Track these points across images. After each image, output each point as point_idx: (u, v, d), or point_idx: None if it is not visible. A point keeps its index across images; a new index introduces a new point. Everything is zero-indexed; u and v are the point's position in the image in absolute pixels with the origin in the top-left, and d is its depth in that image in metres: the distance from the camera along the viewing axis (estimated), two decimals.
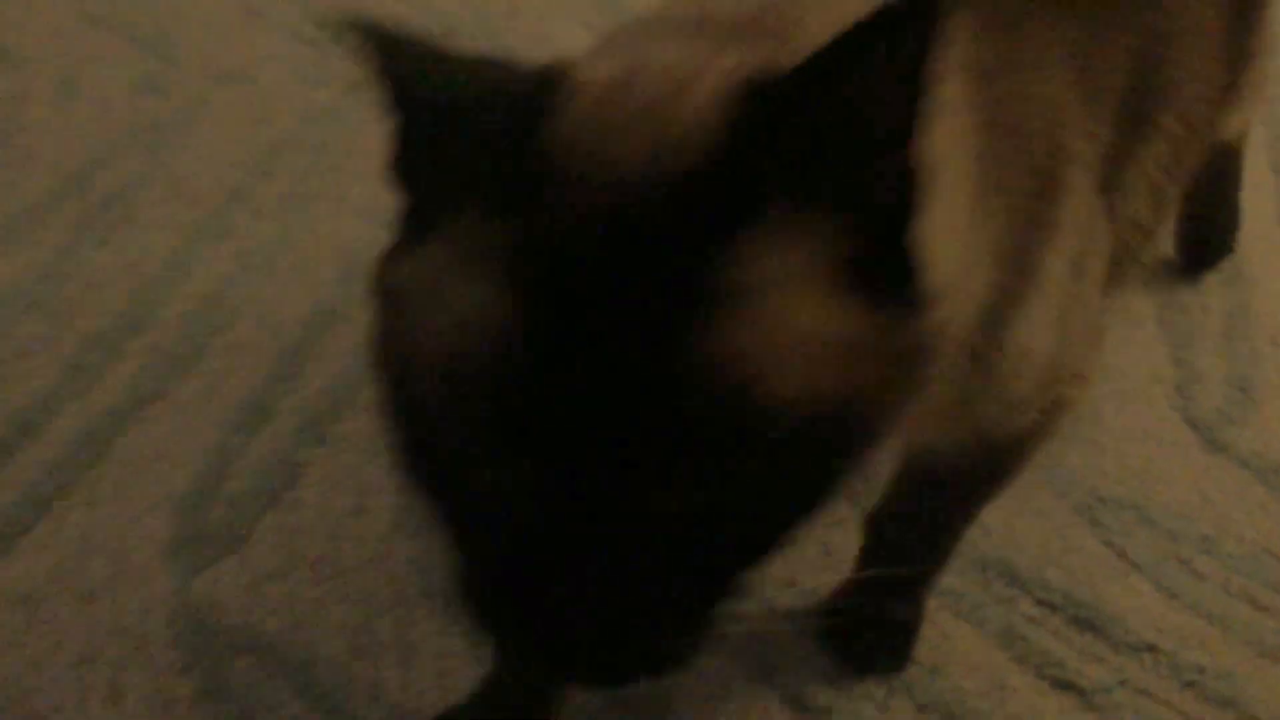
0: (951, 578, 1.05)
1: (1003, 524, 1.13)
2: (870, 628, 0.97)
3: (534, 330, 0.51)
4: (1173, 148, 0.84)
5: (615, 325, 0.50)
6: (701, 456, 0.51)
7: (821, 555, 1.03)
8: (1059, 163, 0.69)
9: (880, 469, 0.93)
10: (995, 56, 0.67)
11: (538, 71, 0.56)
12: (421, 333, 0.54)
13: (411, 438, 0.57)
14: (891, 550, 0.92)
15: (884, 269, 0.54)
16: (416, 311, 0.55)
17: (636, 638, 0.53)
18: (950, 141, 0.62)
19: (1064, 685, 1.05)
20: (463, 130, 0.53)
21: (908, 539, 0.92)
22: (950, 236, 0.60)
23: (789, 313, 0.51)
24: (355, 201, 1.45)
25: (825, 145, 0.52)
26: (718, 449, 0.51)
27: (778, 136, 0.51)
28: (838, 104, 0.51)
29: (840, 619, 0.96)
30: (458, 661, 1.03)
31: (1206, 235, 1.40)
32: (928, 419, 0.70)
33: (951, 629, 1.06)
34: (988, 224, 0.65)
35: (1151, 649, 1.09)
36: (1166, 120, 0.83)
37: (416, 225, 0.57)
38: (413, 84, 0.55)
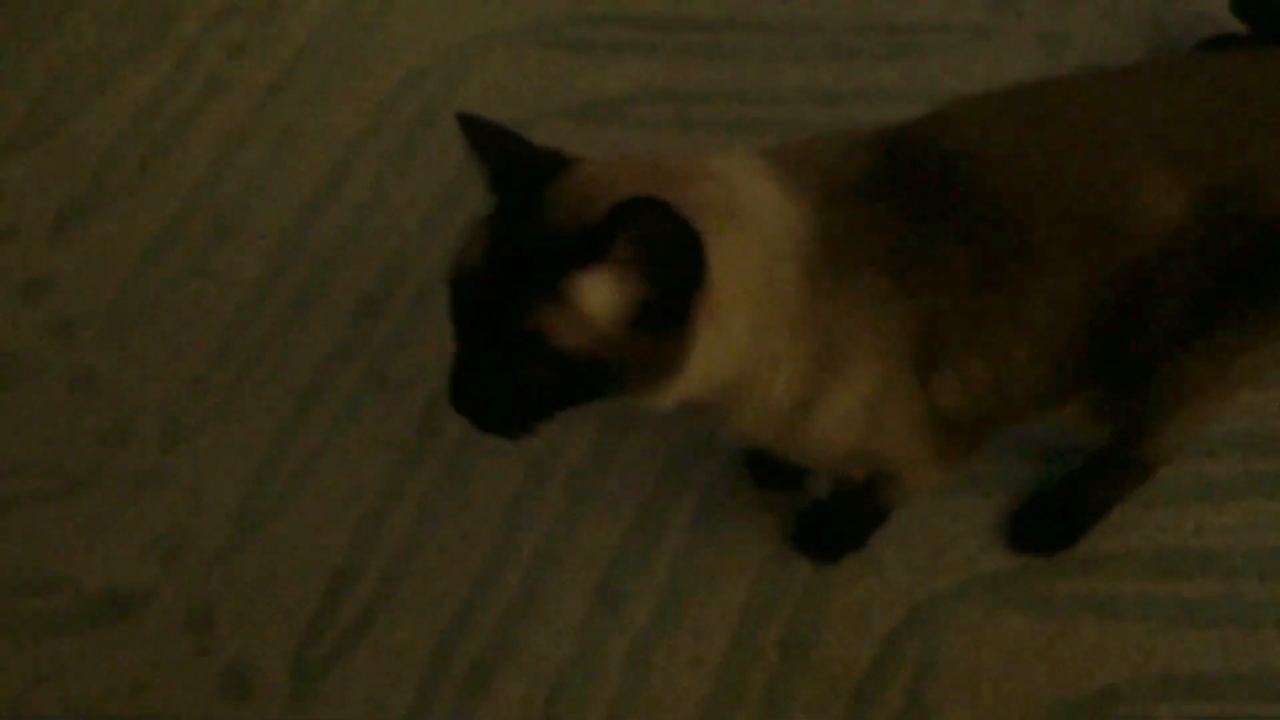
0: None
1: None
2: (823, 530, 1.66)
3: (471, 272, 1.05)
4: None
5: (505, 282, 1.03)
6: (516, 359, 1.05)
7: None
8: (846, 340, 1.14)
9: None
10: (827, 295, 1.12)
11: (556, 155, 1.11)
12: (456, 259, 1.09)
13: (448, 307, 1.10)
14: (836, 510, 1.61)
15: (652, 315, 1.04)
16: (459, 251, 1.09)
17: (487, 412, 1.09)
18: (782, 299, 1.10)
19: None
20: (510, 174, 1.08)
21: (846, 510, 1.59)
22: (760, 348, 1.11)
23: (578, 313, 1.02)
24: None
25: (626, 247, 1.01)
26: (524, 356, 1.03)
27: (611, 236, 1.00)
28: (627, 238, 0.99)
29: (812, 512, 1.67)
30: None
31: None
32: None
33: None
34: (792, 352, 1.13)
35: None
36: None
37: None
38: (490, 152, 1.09)
